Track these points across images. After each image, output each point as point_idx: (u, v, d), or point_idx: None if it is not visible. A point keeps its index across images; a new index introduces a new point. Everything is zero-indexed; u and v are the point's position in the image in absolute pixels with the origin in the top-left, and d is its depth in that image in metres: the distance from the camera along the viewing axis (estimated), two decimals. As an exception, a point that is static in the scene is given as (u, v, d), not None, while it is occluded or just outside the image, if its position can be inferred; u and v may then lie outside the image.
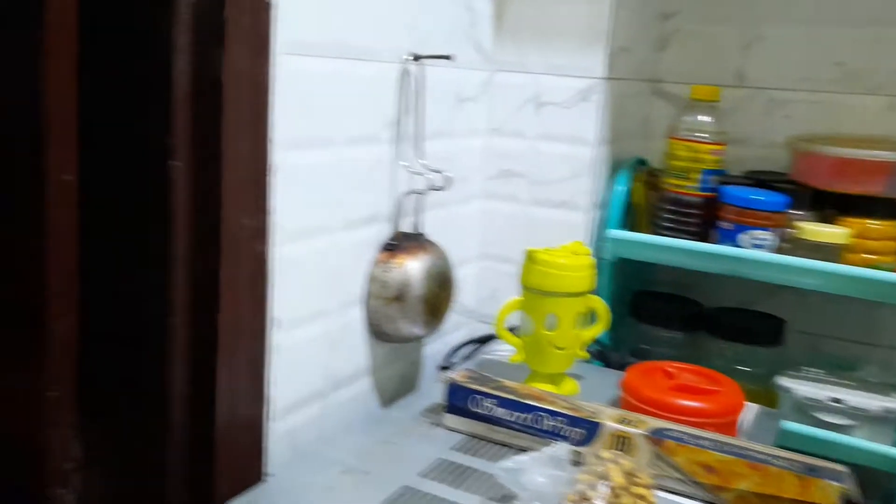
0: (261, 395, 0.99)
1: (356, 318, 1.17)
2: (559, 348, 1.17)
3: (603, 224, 1.43)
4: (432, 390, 1.17)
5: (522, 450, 0.92)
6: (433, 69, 1.22)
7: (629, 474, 0.84)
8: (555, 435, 0.99)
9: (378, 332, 1.20)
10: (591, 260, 1.18)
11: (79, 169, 0.95)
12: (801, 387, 1.32)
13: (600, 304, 1.21)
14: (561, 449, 0.85)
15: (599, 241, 1.42)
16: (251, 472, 1.00)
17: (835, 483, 0.87)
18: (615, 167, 1.46)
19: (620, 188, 1.43)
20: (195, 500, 0.96)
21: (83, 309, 0.99)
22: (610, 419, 0.97)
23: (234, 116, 0.90)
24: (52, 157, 0.93)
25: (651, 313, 1.51)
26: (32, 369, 0.97)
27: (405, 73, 1.18)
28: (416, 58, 1.18)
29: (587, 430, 0.97)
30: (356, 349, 1.18)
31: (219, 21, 0.87)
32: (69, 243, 0.97)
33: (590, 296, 1.19)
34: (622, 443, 0.95)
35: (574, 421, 0.98)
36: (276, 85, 0.94)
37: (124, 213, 0.94)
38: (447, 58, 1.20)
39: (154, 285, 0.92)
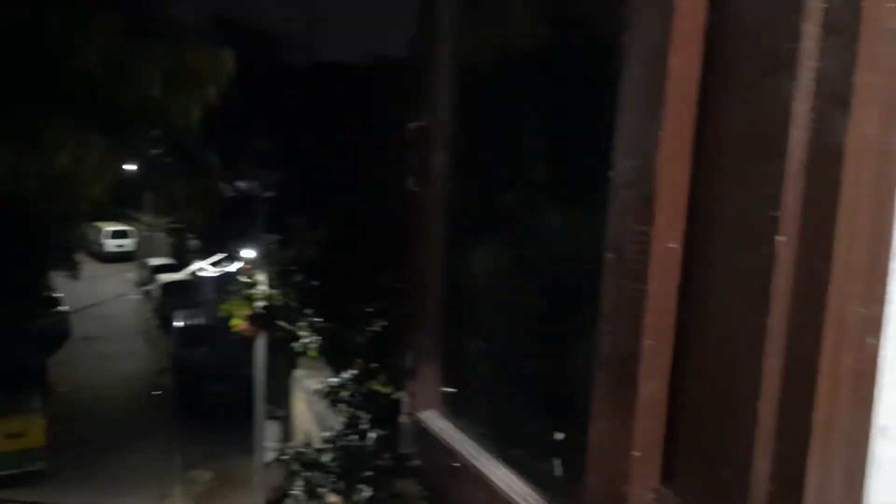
0: (856, 511, 0.85)
1: None
2: None
3: None
4: None
5: None
6: None
7: None
8: None
9: None
10: None
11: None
12: None
13: None
14: None
15: None
16: None
17: None
18: None
19: None
20: None
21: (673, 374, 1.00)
22: None
23: (855, 190, 0.80)
24: (660, 226, 0.97)
25: None
26: (621, 427, 1.01)
27: None
28: None
29: None
30: None
31: (846, 85, 0.78)
32: (668, 307, 0.99)
33: None
34: None
35: None
36: (909, 155, 0.80)
37: (711, 285, 0.92)
38: None
39: (745, 364, 0.88)
